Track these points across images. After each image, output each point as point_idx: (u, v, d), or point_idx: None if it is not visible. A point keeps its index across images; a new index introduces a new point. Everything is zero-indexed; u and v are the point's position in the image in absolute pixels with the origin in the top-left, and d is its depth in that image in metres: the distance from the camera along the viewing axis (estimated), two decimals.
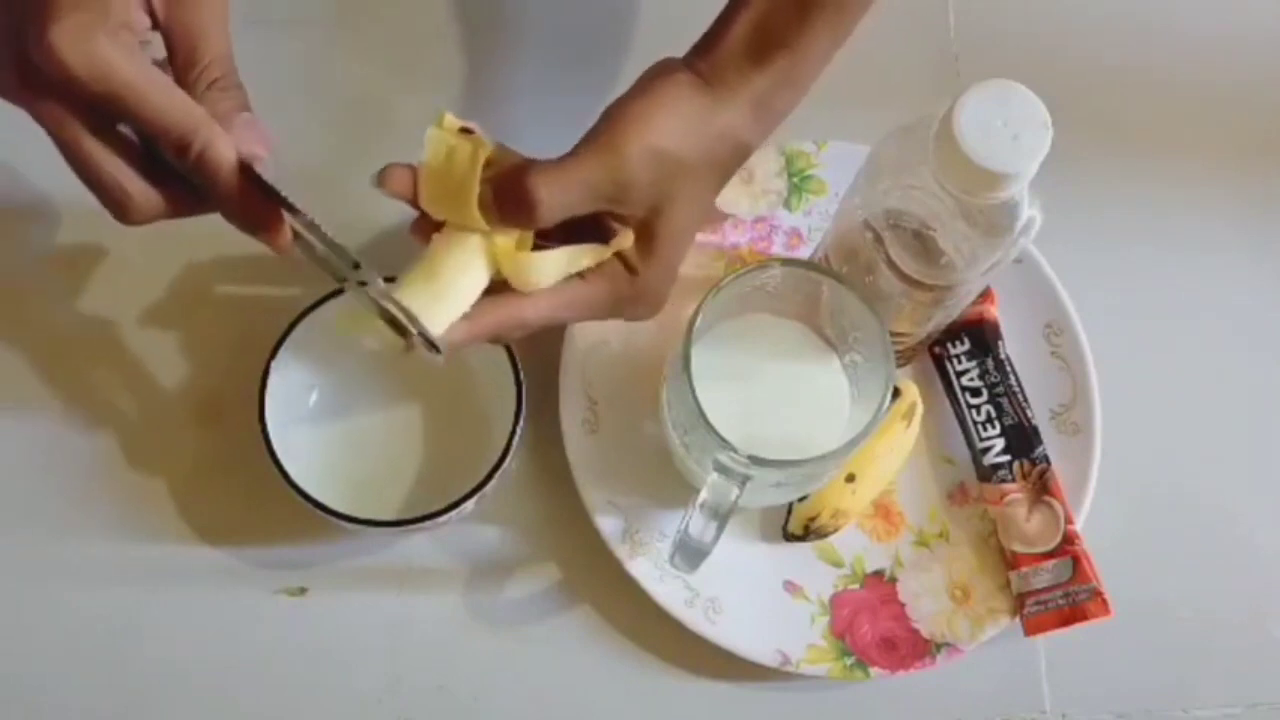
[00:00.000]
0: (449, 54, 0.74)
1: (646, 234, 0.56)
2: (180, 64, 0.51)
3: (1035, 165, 0.51)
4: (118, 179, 0.49)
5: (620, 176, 0.53)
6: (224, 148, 0.49)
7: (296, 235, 0.51)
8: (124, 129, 0.50)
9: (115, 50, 0.47)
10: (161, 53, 0.51)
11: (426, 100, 0.72)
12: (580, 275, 0.56)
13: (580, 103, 0.58)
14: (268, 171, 0.50)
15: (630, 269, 0.56)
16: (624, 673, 0.66)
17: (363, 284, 0.52)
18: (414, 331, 0.53)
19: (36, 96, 0.48)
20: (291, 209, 0.50)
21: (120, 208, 0.50)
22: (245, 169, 0.49)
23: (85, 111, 0.48)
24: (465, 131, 0.53)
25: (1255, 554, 0.70)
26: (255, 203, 0.50)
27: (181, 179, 0.50)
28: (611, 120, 0.54)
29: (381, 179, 0.53)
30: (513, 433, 0.61)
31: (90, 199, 0.50)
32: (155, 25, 0.50)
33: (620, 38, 0.74)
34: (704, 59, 0.56)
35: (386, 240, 0.69)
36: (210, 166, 0.49)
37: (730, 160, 0.57)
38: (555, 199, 0.52)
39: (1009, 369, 0.68)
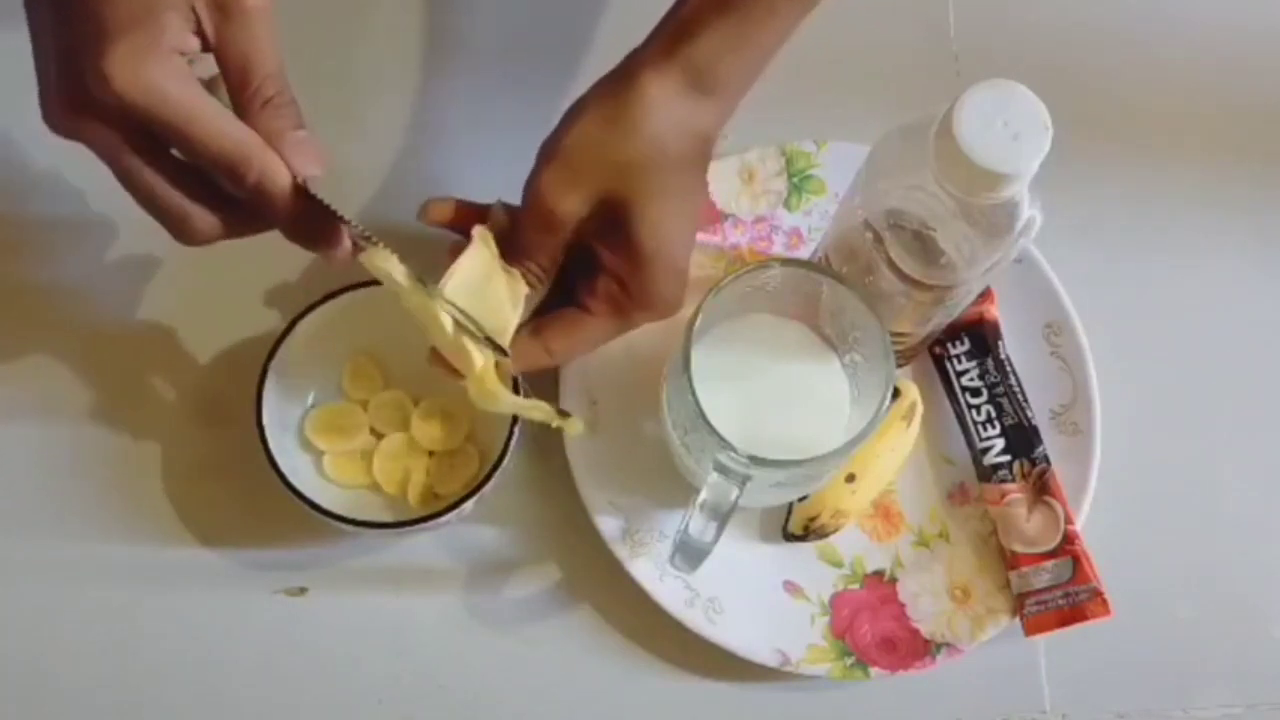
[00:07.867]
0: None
1: (623, 246, 0.56)
2: (233, 84, 0.50)
3: (1035, 165, 0.51)
4: (176, 204, 0.50)
5: (552, 221, 0.55)
6: (279, 172, 0.49)
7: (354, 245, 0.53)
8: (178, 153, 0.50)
9: (169, 77, 0.47)
10: (209, 70, 0.51)
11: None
12: (585, 308, 0.57)
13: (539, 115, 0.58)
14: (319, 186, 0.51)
15: (622, 284, 0.57)
16: (624, 673, 0.66)
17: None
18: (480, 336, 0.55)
19: (91, 123, 0.48)
20: (346, 223, 0.51)
21: (179, 231, 0.51)
22: (300, 189, 0.50)
23: (141, 138, 0.48)
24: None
25: (1255, 554, 0.70)
26: (313, 222, 0.51)
27: (237, 200, 0.50)
28: (537, 162, 0.55)
29: (424, 212, 0.58)
30: (512, 433, 0.61)
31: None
32: (206, 47, 0.50)
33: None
34: (656, 40, 0.56)
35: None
36: (267, 192, 0.49)
37: (675, 140, 0.55)
38: (539, 252, 0.56)
39: (1009, 369, 0.68)
